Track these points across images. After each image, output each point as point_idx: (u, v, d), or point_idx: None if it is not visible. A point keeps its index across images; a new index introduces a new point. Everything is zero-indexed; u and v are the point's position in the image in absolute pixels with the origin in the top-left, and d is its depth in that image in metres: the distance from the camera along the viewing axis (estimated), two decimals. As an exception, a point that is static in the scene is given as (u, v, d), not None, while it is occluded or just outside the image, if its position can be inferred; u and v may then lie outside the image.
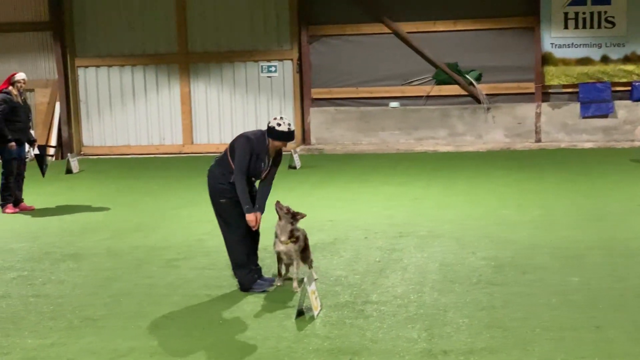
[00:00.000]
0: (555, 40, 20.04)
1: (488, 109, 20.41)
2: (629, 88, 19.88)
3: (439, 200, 13.11)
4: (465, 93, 20.59)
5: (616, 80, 19.91)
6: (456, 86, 20.57)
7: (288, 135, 8.07)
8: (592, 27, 19.89)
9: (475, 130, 20.59)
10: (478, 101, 20.46)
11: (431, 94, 20.73)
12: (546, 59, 20.10)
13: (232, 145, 8.12)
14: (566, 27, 19.97)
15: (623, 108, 19.98)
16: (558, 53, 20.06)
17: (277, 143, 8.08)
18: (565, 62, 20.06)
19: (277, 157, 8.27)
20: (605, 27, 19.84)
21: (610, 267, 8.75)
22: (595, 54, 19.98)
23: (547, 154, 18.62)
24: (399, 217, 11.83)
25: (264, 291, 8.11)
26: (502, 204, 12.59)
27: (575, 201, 12.64)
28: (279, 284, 8.24)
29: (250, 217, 7.98)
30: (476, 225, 11.03)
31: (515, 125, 20.43)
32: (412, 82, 20.85)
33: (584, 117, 20.09)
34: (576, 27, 19.95)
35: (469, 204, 12.68)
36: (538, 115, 20.30)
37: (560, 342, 6.47)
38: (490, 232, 10.60)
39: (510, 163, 17.20)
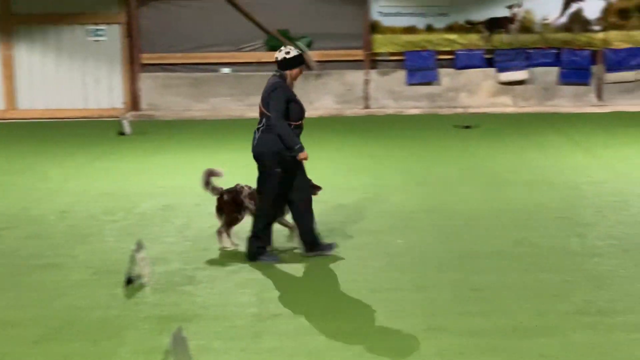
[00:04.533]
0: (383, 9, 20.46)
1: (318, 75, 20.65)
2: (453, 57, 20.56)
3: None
4: (297, 59, 20.65)
5: (440, 49, 20.55)
6: (287, 53, 20.60)
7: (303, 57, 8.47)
8: (417, -4, 20.46)
9: (306, 96, 20.71)
10: (308, 67, 20.63)
11: (263, 60, 20.74)
12: (374, 27, 20.50)
13: (265, 101, 8.19)
14: (393, -4, 20.46)
15: (446, 76, 20.65)
16: (385, 21, 20.49)
17: (295, 71, 8.30)
18: (392, 30, 20.54)
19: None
20: (430, -3, 20.44)
21: (434, 230, 9.09)
22: (420, 23, 20.54)
23: (376, 120, 19.04)
24: (232, 183, 11.79)
25: (269, 262, 7.94)
26: (334, 170, 12.76)
27: (402, 166, 13.01)
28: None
29: (304, 154, 7.94)
30: (307, 191, 11.15)
31: (345, 91, 20.78)
32: (243, 47, 20.80)
33: (410, 84, 20.66)
34: (403, -4, 20.46)
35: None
36: (367, 82, 20.71)
37: (385, 303, 6.69)
38: (321, 197, 10.74)
39: (341, 129, 17.48)
